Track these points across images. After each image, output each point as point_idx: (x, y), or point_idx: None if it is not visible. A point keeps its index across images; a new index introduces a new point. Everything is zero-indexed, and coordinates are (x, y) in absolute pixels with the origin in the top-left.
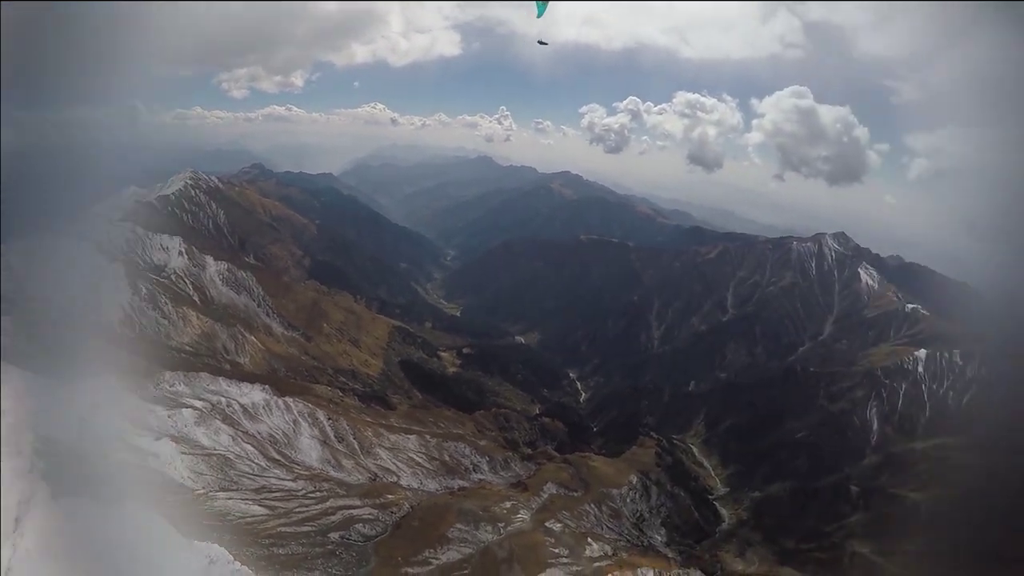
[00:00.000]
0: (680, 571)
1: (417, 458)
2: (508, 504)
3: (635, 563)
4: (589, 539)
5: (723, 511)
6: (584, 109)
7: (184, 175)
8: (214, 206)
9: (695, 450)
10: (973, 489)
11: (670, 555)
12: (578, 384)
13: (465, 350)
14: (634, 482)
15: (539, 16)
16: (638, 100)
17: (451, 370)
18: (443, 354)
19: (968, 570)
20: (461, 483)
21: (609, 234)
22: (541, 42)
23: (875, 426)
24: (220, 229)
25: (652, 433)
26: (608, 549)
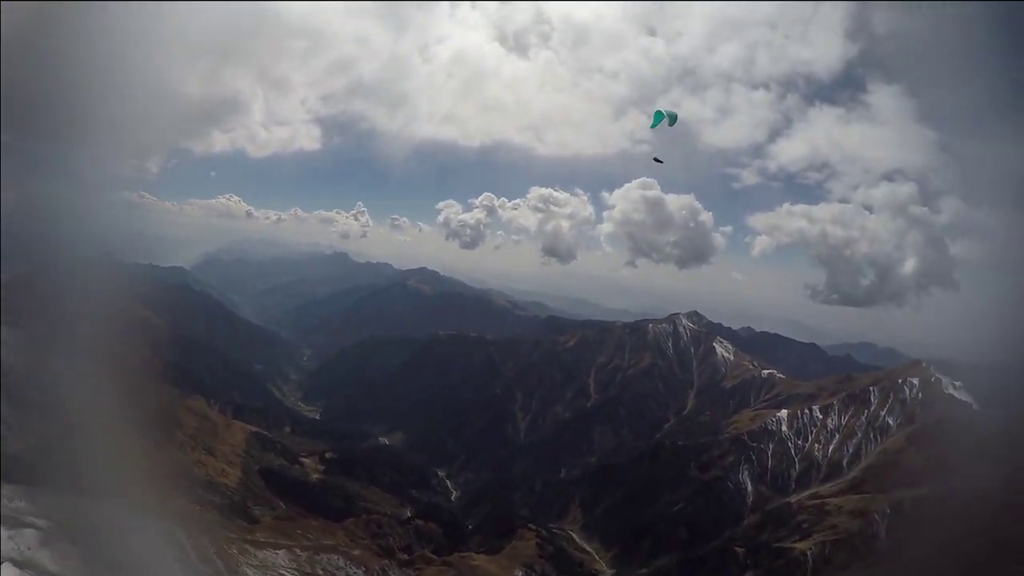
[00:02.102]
0: None
1: (289, 575)
2: None
3: None
4: None
5: None
6: (441, 205)
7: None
8: None
9: (575, 536)
10: (852, 531)
11: None
12: (448, 482)
13: (328, 455)
14: None
15: (653, 127)
16: (493, 196)
17: (315, 477)
18: (305, 460)
19: None
20: None
21: (467, 329)
22: (657, 159)
23: (749, 487)
24: None
25: (530, 524)
26: None
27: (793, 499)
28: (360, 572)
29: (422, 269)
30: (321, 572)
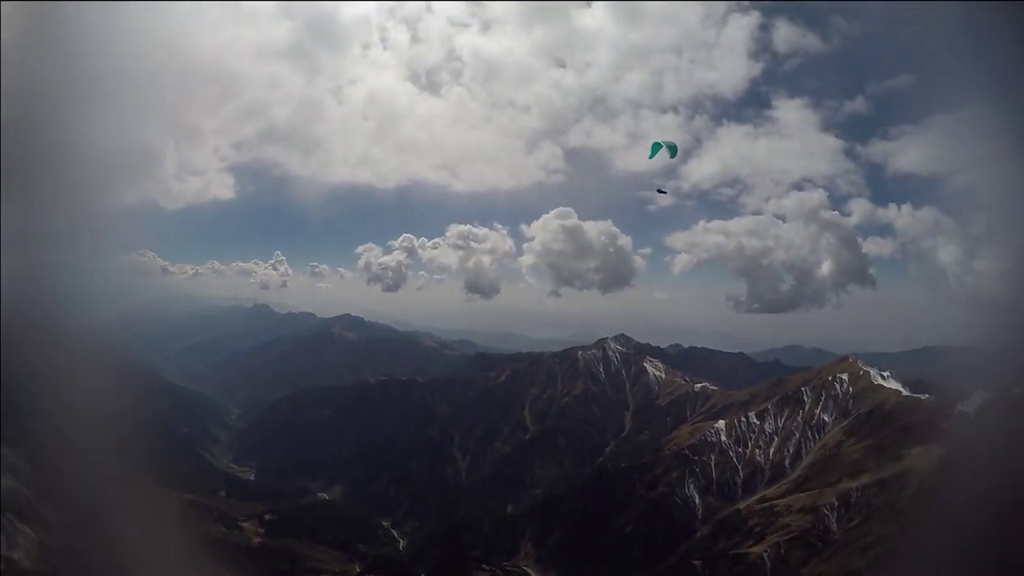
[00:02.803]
0: None
1: None
2: None
3: None
4: None
5: None
6: (360, 249)
7: None
8: None
9: (531, 572)
10: (804, 528)
11: None
12: (393, 532)
13: (267, 516)
14: None
15: (651, 157)
16: (412, 237)
17: (256, 541)
18: (244, 524)
19: None
20: None
21: (397, 373)
22: (660, 191)
23: (697, 500)
24: None
25: (484, 565)
26: None
27: (742, 505)
28: None
29: (346, 316)
30: None
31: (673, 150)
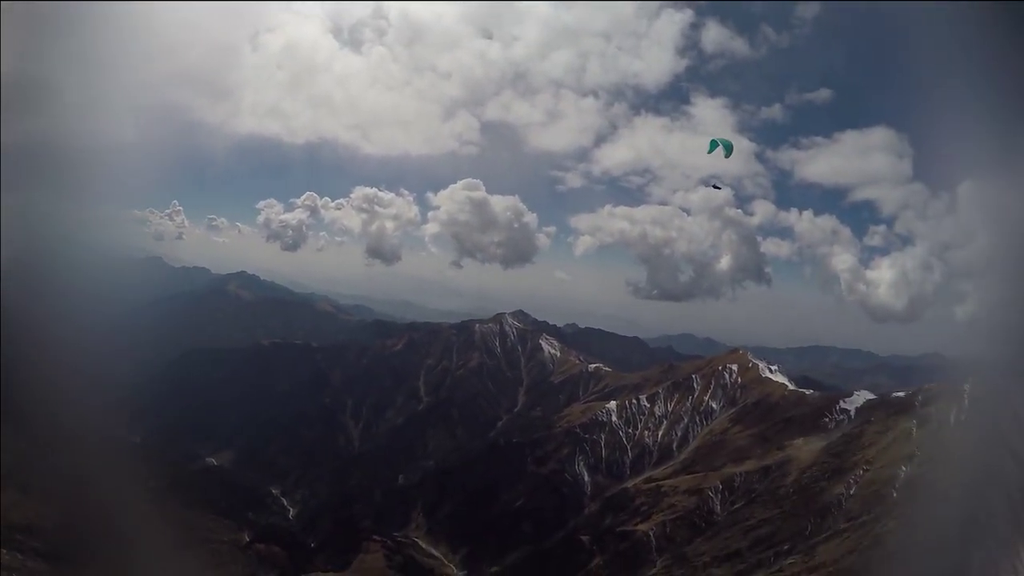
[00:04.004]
0: None
1: None
2: None
3: None
4: None
5: None
6: (261, 204)
7: None
8: None
9: (421, 543)
10: (689, 508)
11: None
12: (283, 500)
13: (152, 483)
14: None
15: (709, 152)
16: (316, 196)
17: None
18: (128, 491)
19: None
20: None
21: (292, 336)
22: (716, 186)
23: (587, 477)
24: None
25: (375, 536)
26: None
27: (630, 484)
28: None
29: (242, 273)
30: None
31: (729, 149)
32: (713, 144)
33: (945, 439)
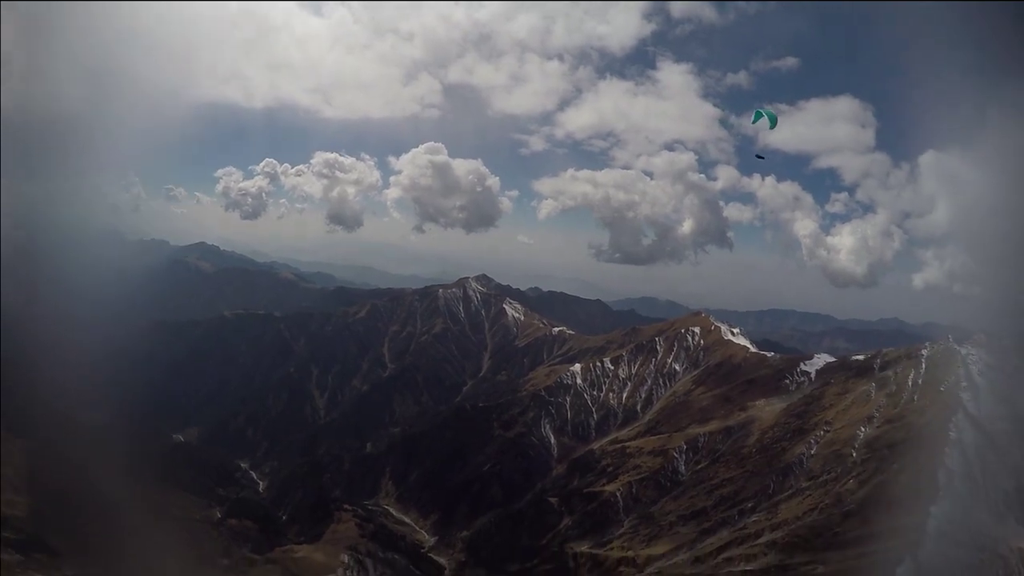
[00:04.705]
0: None
1: None
2: None
3: None
4: None
5: (440, 560)
6: (220, 173)
7: None
8: None
9: (392, 510)
10: (654, 468)
11: None
12: (252, 473)
13: (121, 463)
14: (347, 561)
15: (753, 123)
16: (275, 162)
17: (103, 492)
18: (96, 472)
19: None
20: None
21: (254, 306)
22: (759, 156)
23: (553, 440)
24: None
25: (345, 505)
26: None
27: (595, 446)
28: None
29: (201, 244)
30: None
31: (773, 121)
32: (758, 115)
33: (903, 401)
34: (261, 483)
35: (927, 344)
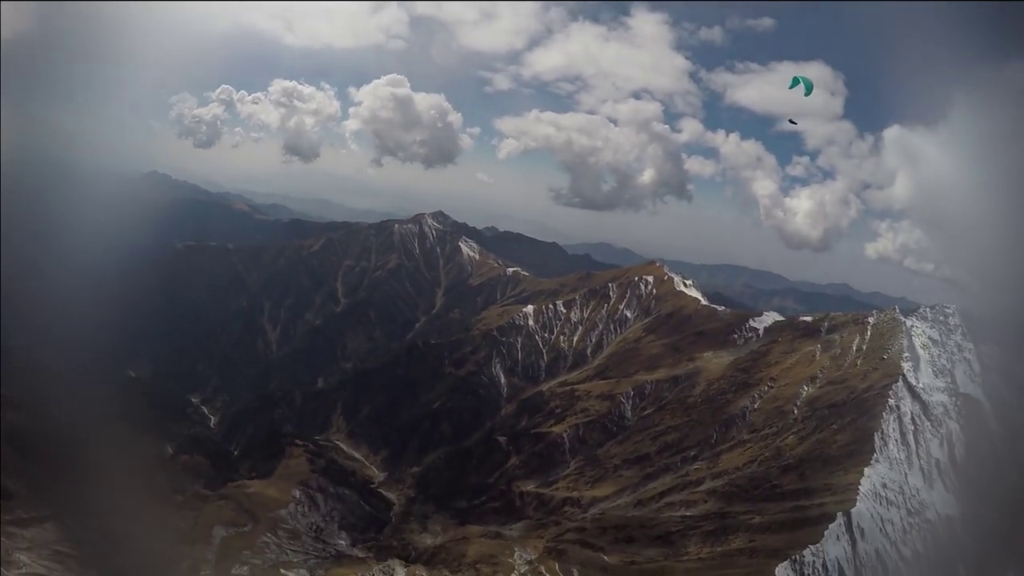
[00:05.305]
0: (379, 567)
1: (63, 548)
2: (184, 564)
3: None
4: (282, 570)
5: (390, 495)
6: (173, 99)
7: None
8: None
9: (343, 445)
10: (601, 412)
11: (361, 555)
12: (204, 409)
13: (72, 402)
14: (298, 496)
15: (791, 88)
16: (231, 89)
17: (53, 429)
18: (44, 412)
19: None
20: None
21: (206, 238)
22: (792, 121)
23: (503, 379)
24: None
25: (296, 440)
26: (305, 573)
27: (545, 388)
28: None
29: (152, 173)
30: (96, 536)
31: (809, 88)
32: (795, 81)
33: (846, 365)
34: (212, 418)
35: (874, 312)
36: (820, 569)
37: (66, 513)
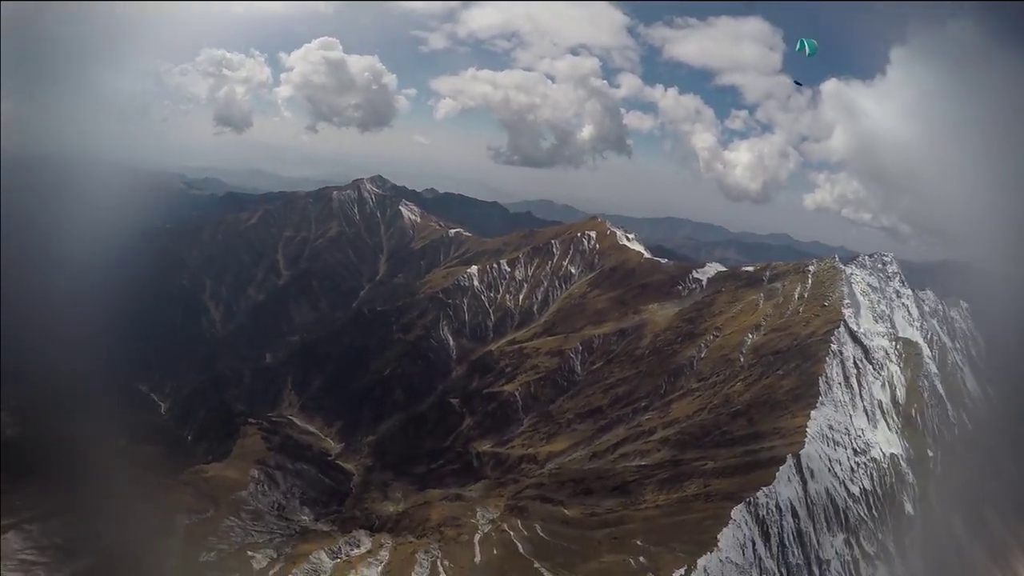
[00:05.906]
0: (344, 539)
1: (29, 556)
2: (150, 558)
3: (304, 552)
4: (249, 552)
5: (348, 466)
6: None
7: None
8: None
9: (297, 420)
10: (551, 368)
11: (325, 528)
12: (153, 396)
13: (15, 402)
14: (257, 476)
15: (797, 50)
16: (158, 61)
17: (9, 433)
18: None
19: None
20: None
21: (139, 219)
22: (798, 83)
23: (451, 341)
24: None
25: (250, 419)
26: (272, 553)
27: (493, 347)
28: (100, 526)
29: (79, 155)
30: (59, 539)
31: (813, 50)
32: (800, 44)
33: (789, 312)
34: (162, 404)
35: (814, 261)
36: (774, 510)
37: (26, 519)
